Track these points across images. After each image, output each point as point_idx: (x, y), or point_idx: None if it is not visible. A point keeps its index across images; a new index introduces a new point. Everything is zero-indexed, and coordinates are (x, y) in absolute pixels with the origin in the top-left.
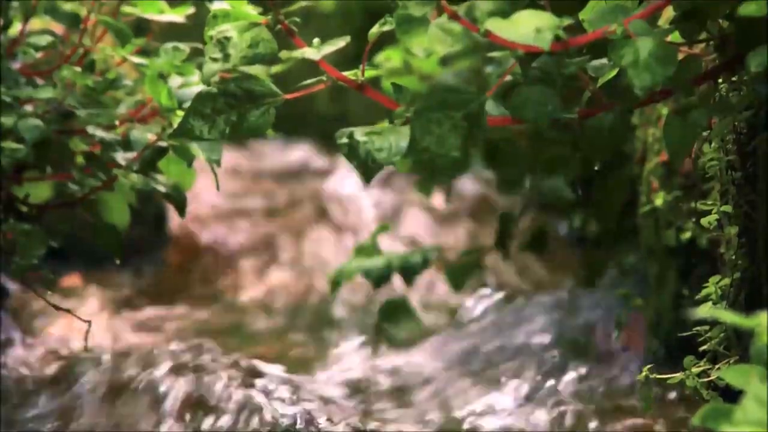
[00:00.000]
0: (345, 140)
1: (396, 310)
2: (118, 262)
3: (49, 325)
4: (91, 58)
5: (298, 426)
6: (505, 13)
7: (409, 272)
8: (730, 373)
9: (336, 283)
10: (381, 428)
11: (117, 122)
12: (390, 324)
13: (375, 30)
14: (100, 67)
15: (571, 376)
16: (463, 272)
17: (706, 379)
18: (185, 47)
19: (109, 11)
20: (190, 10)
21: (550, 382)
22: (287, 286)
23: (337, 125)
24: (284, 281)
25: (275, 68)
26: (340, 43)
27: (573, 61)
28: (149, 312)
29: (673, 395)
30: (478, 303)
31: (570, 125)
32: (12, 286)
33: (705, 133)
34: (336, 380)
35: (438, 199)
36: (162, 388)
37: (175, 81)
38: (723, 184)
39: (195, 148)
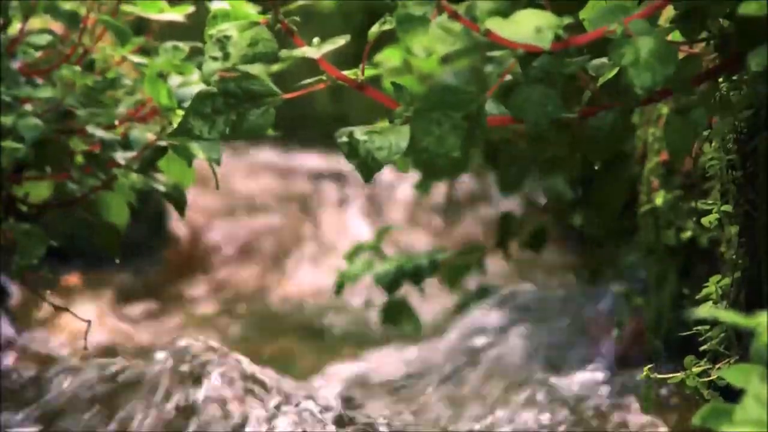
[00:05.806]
0: (345, 139)
1: (397, 311)
2: (117, 261)
3: (49, 325)
4: (91, 58)
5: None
6: (505, 13)
7: (418, 276)
8: (730, 373)
9: (340, 285)
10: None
11: (116, 122)
12: (391, 324)
13: (375, 29)
14: (99, 66)
15: (569, 374)
16: (460, 272)
17: (706, 379)
18: (185, 46)
19: (109, 10)
20: (190, 9)
21: (551, 381)
22: (290, 285)
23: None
24: (287, 280)
25: (275, 67)
26: (340, 42)
27: (573, 61)
28: (148, 311)
29: (674, 395)
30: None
31: (570, 125)
32: (12, 286)
33: (705, 133)
34: (335, 378)
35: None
36: (160, 387)
37: (174, 80)
38: (723, 184)
39: (195, 147)
